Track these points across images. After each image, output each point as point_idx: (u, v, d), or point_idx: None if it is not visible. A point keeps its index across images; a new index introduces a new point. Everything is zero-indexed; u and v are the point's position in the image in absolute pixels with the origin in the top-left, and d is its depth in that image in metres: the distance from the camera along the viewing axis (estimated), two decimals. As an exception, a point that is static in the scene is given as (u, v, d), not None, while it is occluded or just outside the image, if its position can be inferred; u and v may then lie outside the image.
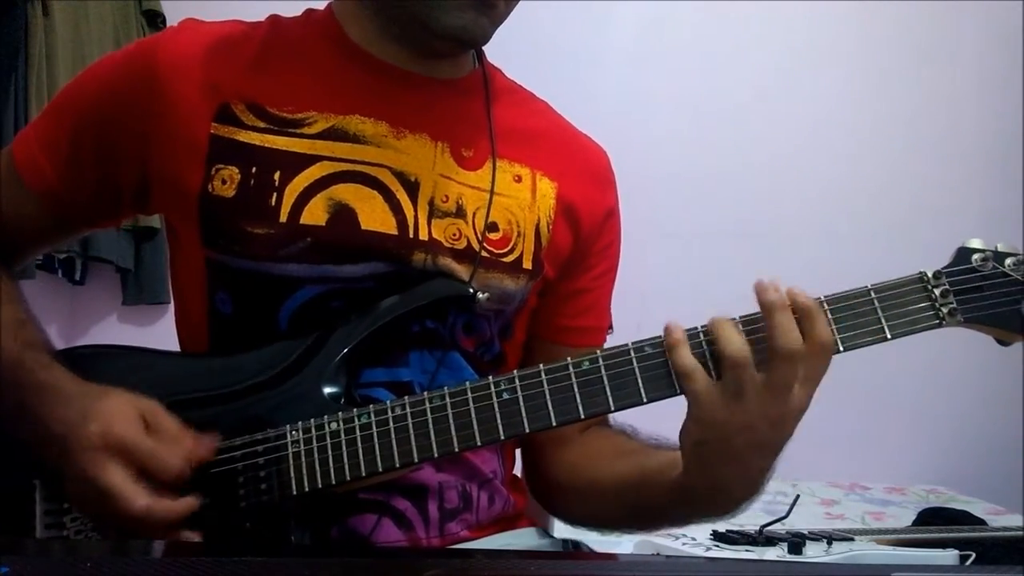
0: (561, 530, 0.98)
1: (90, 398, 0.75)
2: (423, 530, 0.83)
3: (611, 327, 0.99)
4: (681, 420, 0.74)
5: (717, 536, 1.43)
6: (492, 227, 0.85)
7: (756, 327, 0.71)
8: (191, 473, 0.74)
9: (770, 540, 1.42)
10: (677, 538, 1.38)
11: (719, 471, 0.74)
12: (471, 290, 0.81)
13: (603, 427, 0.93)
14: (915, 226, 2.62)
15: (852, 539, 1.50)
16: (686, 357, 0.71)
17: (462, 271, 0.83)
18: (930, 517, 2.01)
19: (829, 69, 2.68)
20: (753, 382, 0.69)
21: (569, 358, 0.74)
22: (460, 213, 0.84)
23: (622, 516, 0.89)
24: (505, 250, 0.85)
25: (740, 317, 0.72)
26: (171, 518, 0.72)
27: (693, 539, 1.40)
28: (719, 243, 2.61)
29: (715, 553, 1.36)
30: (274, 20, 0.90)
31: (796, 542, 1.39)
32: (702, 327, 0.72)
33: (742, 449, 0.71)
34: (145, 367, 0.83)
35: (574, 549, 0.92)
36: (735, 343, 0.69)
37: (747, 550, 1.39)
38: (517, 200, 0.87)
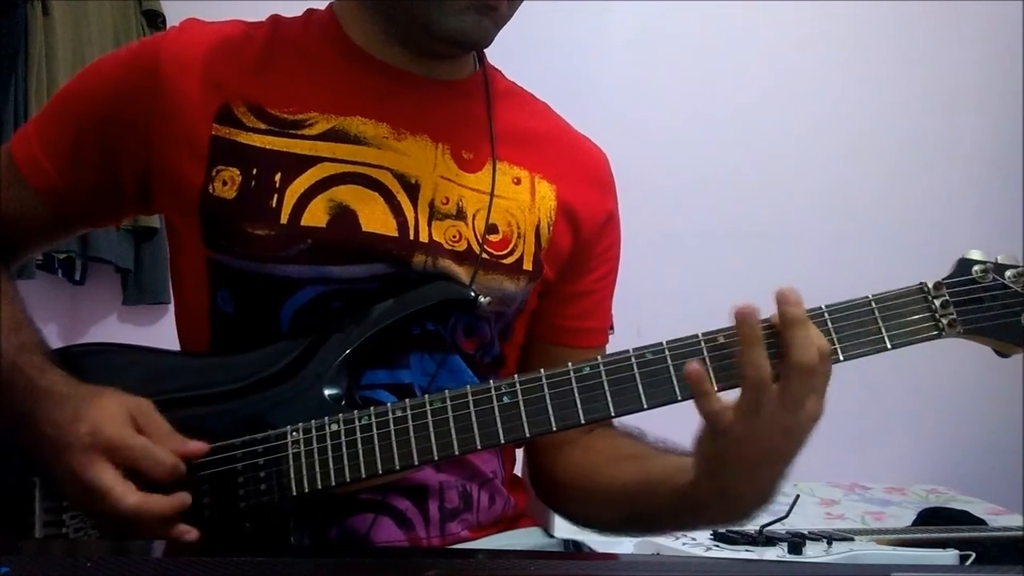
0: (562, 530, 0.97)
1: (80, 399, 0.75)
2: (423, 530, 0.83)
3: (612, 327, 0.99)
4: (682, 423, 0.74)
5: (717, 536, 1.43)
6: (492, 229, 0.85)
7: (770, 331, 0.70)
8: (184, 471, 0.74)
9: (770, 540, 1.42)
10: (677, 538, 1.38)
11: (731, 480, 0.73)
12: (473, 293, 0.81)
13: (607, 429, 0.93)
14: (914, 227, 2.62)
15: (852, 539, 1.50)
16: (711, 394, 0.69)
17: (462, 273, 0.83)
18: (930, 517, 2.01)
19: (829, 69, 2.68)
20: (770, 398, 0.69)
21: (570, 363, 0.73)
22: (460, 215, 0.84)
23: (625, 519, 0.89)
24: (505, 252, 0.85)
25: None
26: (163, 514, 0.72)
27: (693, 539, 1.40)
28: (719, 243, 2.61)
29: (715, 553, 1.36)
30: (275, 20, 0.90)
31: (796, 542, 1.39)
32: (703, 335, 0.72)
33: (755, 460, 0.71)
34: (146, 365, 0.83)
35: (575, 549, 0.92)
36: (762, 368, 0.68)
37: (747, 550, 1.39)
38: (517, 202, 0.87)
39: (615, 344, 0.94)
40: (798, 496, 1.61)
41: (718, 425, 0.70)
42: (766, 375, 0.68)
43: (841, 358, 0.72)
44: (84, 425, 0.73)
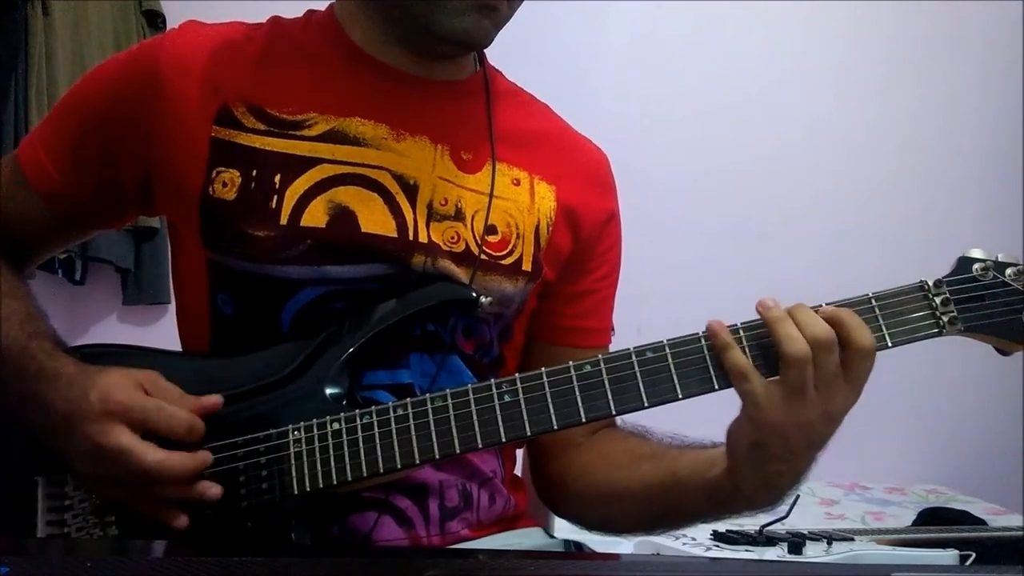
0: (562, 530, 0.97)
1: (88, 375, 0.76)
2: (423, 529, 0.83)
3: (612, 329, 0.99)
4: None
5: (717, 536, 1.43)
6: (491, 230, 0.85)
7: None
8: (202, 428, 0.75)
9: (770, 540, 1.42)
10: (677, 538, 1.38)
11: (773, 469, 0.74)
12: (474, 294, 0.81)
13: (613, 430, 0.93)
14: (915, 226, 2.62)
15: (852, 539, 1.50)
16: (739, 358, 0.71)
17: (461, 274, 0.83)
18: (930, 517, 2.01)
19: (829, 69, 2.68)
20: (811, 381, 0.69)
21: (571, 361, 0.74)
22: (459, 216, 0.84)
23: (651, 518, 0.88)
24: (504, 252, 0.85)
25: (740, 324, 0.72)
26: (186, 470, 0.73)
27: (693, 539, 1.40)
28: (719, 243, 2.61)
29: (715, 553, 1.36)
30: (275, 21, 0.90)
31: (796, 542, 1.39)
32: (742, 324, 0.72)
33: (798, 447, 0.72)
34: (148, 366, 0.83)
35: (575, 549, 0.92)
36: (798, 342, 0.69)
37: (747, 550, 1.39)
38: (516, 203, 0.87)
39: (615, 344, 0.94)
40: (798, 496, 1.61)
41: (758, 404, 0.70)
42: (806, 349, 0.69)
43: None
44: (94, 394, 0.73)
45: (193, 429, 0.74)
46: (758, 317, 0.72)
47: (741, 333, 0.72)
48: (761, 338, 0.71)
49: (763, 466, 0.74)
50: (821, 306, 0.72)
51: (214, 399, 0.76)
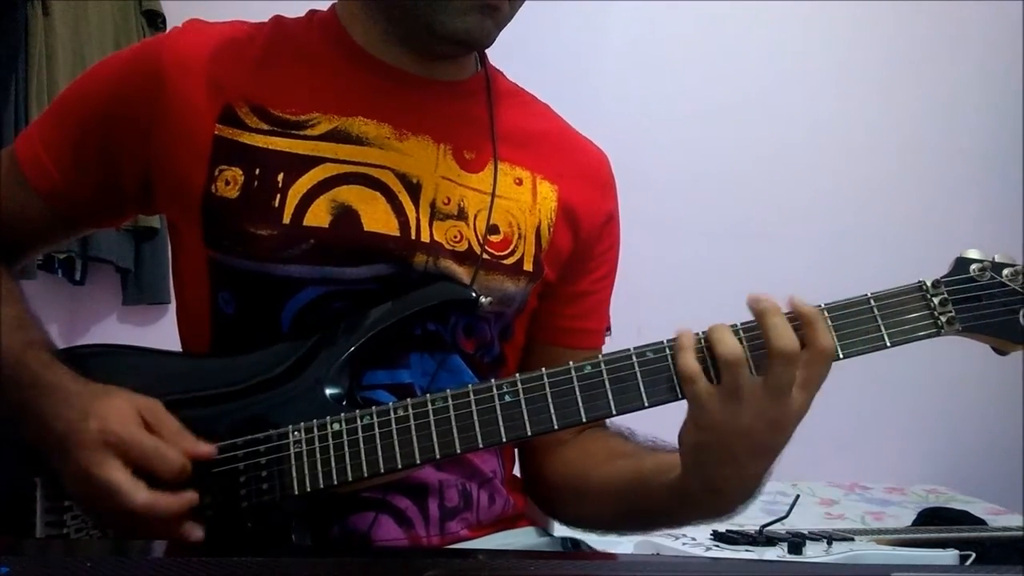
0: (561, 530, 0.98)
1: (90, 396, 0.75)
2: (423, 529, 0.83)
3: (609, 329, 0.99)
4: (680, 423, 0.74)
5: (717, 536, 1.43)
6: (493, 229, 0.85)
7: (755, 333, 0.71)
8: (191, 471, 0.74)
9: (770, 540, 1.42)
10: (677, 538, 1.38)
11: (716, 473, 0.74)
12: (474, 294, 0.81)
13: (600, 429, 0.93)
14: (915, 226, 2.62)
15: (852, 539, 1.51)
16: (689, 360, 0.71)
17: (463, 273, 0.83)
18: (930, 517, 2.01)
19: (829, 69, 2.68)
20: (749, 384, 0.69)
21: (571, 362, 0.74)
22: (461, 215, 0.84)
23: (618, 517, 0.89)
24: (506, 252, 0.85)
25: (740, 324, 0.72)
26: (173, 513, 0.73)
27: (693, 539, 1.40)
28: (719, 243, 2.61)
29: (715, 553, 1.36)
30: (277, 21, 0.90)
31: (796, 542, 1.39)
32: (702, 333, 0.72)
33: (739, 452, 0.72)
34: (148, 366, 0.83)
35: (574, 549, 0.92)
36: (729, 343, 0.69)
37: (747, 550, 1.39)
38: (518, 203, 0.87)
39: (615, 344, 0.94)
40: (798, 496, 1.61)
41: (701, 407, 0.70)
42: (737, 354, 0.69)
43: (840, 356, 0.72)
44: (94, 422, 0.73)
45: (184, 471, 0.74)
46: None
47: (741, 334, 0.72)
48: (756, 339, 0.71)
49: (705, 469, 0.74)
50: (795, 300, 0.71)
51: (209, 449, 0.75)
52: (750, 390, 0.69)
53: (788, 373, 0.69)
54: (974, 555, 1.54)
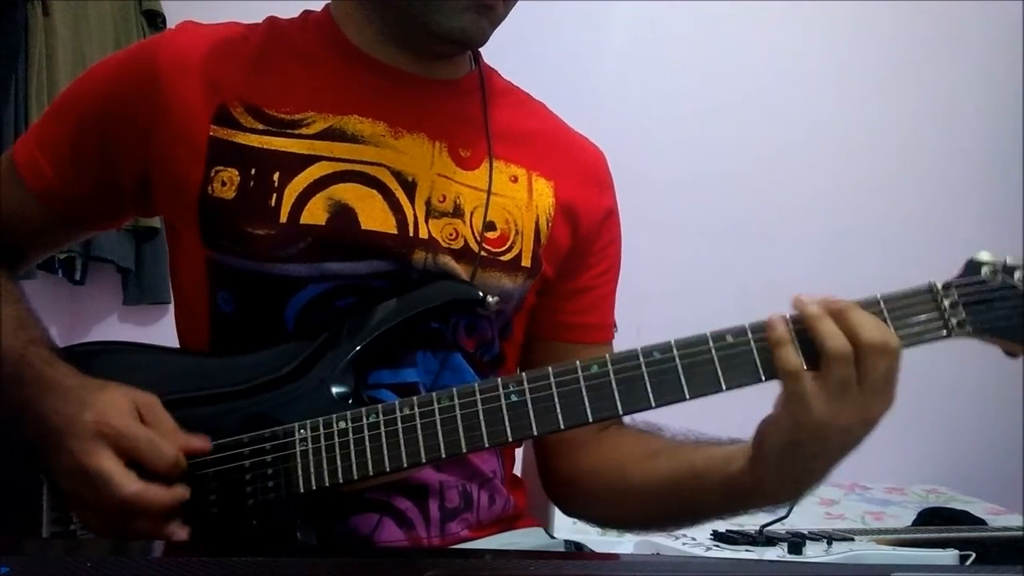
0: (562, 530, 0.98)
1: (87, 390, 0.76)
2: (424, 530, 0.83)
3: (615, 325, 0.99)
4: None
5: (717, 536, 1.43)
6: (490, 226, 0.85)
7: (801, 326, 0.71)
8: (185, 466, 0.74)
9: (770, 540, 1.42)
10: (677, 538, 1.38)
11: (803, 468, 0.74)
12: (480, 294, 0.81)
13: (625, 427, 0.92)
14: (915, 226, 2.62)
15: (852, 539, 1.50)
16: (791, 355, 0.70)
17: (462, 270, 0.83)
18: (930, 517, 2.01)
19: (829, 69, 2.68)
20: (855, 380, 0.69)
21: (578, 361, 0.73)
22: (457, 213, 0.84)
23: (664, 514, 0.89)
24: (503, 249, 0.86)
25: (788, 316, 0.72)
26: (162, 505, 0.72)
27: (693, 539, 1.40)
28: (719, 243, 2.61)
29: (715, 553, 1.36)
30: (271, 22, 0.90)
31: (796, 542, 1.39)
32: (712, 334, 0.72)
33: (834, 448, 0.72)
34: (154, 364, 0.83)
35: (575, 549, 0.92)
36: (839, 337, 0.69)
37: (747, 550, 1.39)
38: (514, 200, 0.87)
39: (615, 343, 0.94)
40: (798, 496, 1.61)
41: (804, 403, 0.69)
42: (847, 345, 0.69)
43: None
44: (90, 413, 0.73)
45: (177, 466, 0.74)
46: (763, 317, 0.72)
47: (790, 326, 0.71)
48: (801, 333, 0.71)
49: (794, 465, 0.74)
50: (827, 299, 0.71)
51: (203, 444, 0.75)
52: (853, 386, 0.69)
53: (883, 365, 0.69)
54: (974, 555, 1.54)
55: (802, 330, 0.71)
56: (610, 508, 0.92)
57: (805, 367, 0.70)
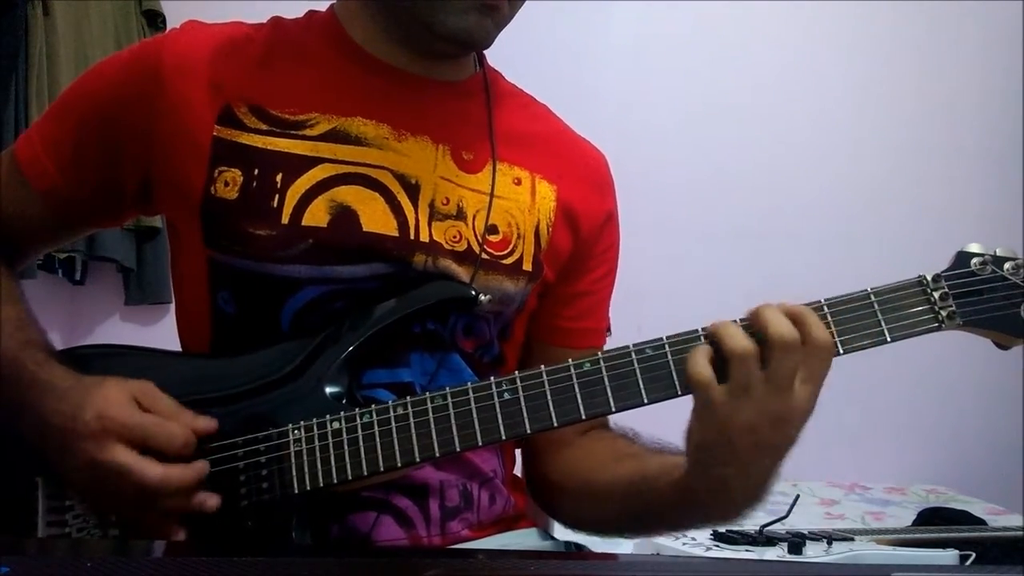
0: (562, 531, 0.97)
1: (82, 389, 0.76)
2: (424, 529, 0.83)
3: (609, 329, 0.99)
4: (681, 421, 0.74)
5: (717, 536, 1.43)
6: (492, 229, 0.85)
7: (752, 329, 0.71)
8: (195, 442, 0.75)
9: (770, 540, 1.42)
10: (677, 538, 1.38)
11: (721, 473, 0.73)
12: (473, 292, 0.81)
13: (603, 430, 0.93)
14: (915, 226, 2.62)
15: (852, 539, 1.50)
16: (700, 357, 0.70)
17: (462, 273, 0.83)
18: (930, 517, 2.01)
19: (829, 70, 2.68)
20: (757, 378, 0.69)
21: (570, 359, 0.74)
22: (460, 215, 0.84)
23: (622, 519, 0.89)
24: (505, 252, 0.86)
25: (739, 320, 0.72)
26: (187, 483, 0.73)
27: (693, 539, 1.40)
28: (719, 243, 2.61)
29: (715, 553, 1.36)
30: (276, 22, 0.90)
31: (796, 542, 1.39)
32: (702, 330, 0.72)
33: (744, 450, 0.71)
34: (149, 367, 0.83)
35: (575, 550, 0.92)
36: (739, 337, 0.69)
37: (747, 550, 1.39)
38: (517, 203, 0.87)
39: (615, 342, 0.94)
40: (798, 496, 1.61)
41: (707, 402, 0.70)
42: (748, 345, 0.68)
43: (840, 351, 0.72)
44: (89, 411, 0.73)
45: (188, 444, 0.74)
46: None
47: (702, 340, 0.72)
48: (754, 334, 0.71)
49: (710, 468, 0.73)
50: (783, 303, 0.71)
51: (209, 423, 0.76)
52: (757, 384, 0.69)
53: (789, 363, 0.68)
54: (974, 555, 1.54)
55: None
56: (574, 509, 0.92)
57: (710, 369, 0.70)
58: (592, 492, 0.89)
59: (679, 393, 0.72)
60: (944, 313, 0.72)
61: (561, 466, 0.92)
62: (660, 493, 0.80)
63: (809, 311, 0.71)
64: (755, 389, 0.69)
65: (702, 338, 0.72)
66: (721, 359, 0.70)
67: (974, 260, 0.73)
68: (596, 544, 0.95)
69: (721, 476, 0.73)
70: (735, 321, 0.72)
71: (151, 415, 0.75)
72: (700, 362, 0.70)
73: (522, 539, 0.91)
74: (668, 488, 0.79)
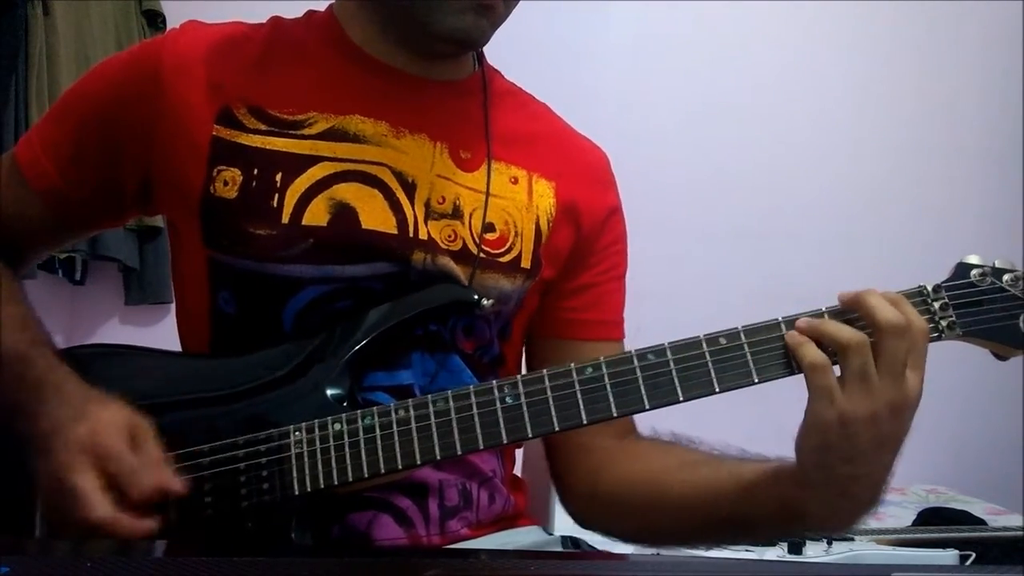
0: (561, 529, 0.97)
1: (86, 401, 0.75)
2: (423, 528, 0.83)
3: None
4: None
5: (717, 536, 1.42)
6: (489, 228, 0.85)
7: (853, 317, 0.71)
8: (157, 500, 0.72)
9: (770, 540, 1.42)
10: (677, 538, 1.37)
11: (844, 472, 0.71)
12: (476, 296, 0.81)
13: (650, 438, 0.90)
14: (915, 226, 2.62)
15: (852, 539, 1.51)
16: (814, 350, 0.70)
17: (460, 271, 0.83)
18: (930, 517, 2.01)
19: (829, 70, 2.68)
20: (873, 367, 0.68)
21: (572, 364, 0.73)
22: (456, 214, 0.84)
23: (706, 527, 0.85)
24: (502, 250, 0.86)
25: (825, 309, 0.72)
26: (128, 536, 0.71)
27: (693, 539, 1.39)
28: (719, 243, 2.61)
29: (715, 553, 1.36)
30: (275, 22, 0.90)
31: (796, 542, 1.39)
32: (705, 336, 0.72)
33: (867, 445, 0.70)
34: (151, 367, 0.83)
35: (574, 547, 0.92)
36: (845, 329, 0.69)
37: (747, 550, 1.39)
38: (514, 201, 0.87)
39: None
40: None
41: (826, 397, 0.69)
42: (862, 338, 0.68)
43: None
44: (84, 425, 0.73)
45: (150, 499, 0.72)
46: (763, 316, 0.72)
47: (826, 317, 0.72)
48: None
49: (833, 470, 0.71)
50: (873, 290, 0.71)
51: (180, 487, 0.73)
52: (873, 373, 0.68)
53: (901, 349, 0.68)
54: (974, 555, 1.54)
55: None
56: (644, 520, 0.89)
57: (829, 362, 0.69)
58: (660, 501, 0.85)
59: (681, 399, 0.72)
60: (944, 323, 0.73)
61: (608, 477, 0.89)
62: (762, 502, 0.77)
63: (903, 297, 0.71)
64: (872, 378, 0.68)
65: (704, 345, 0.72)
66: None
67: (974, 271, 0.74)
68: (596, 543, 0.95)
69: (845, 477, 0.71)
70: (820, 312, 0.71)
71: (133, 457, 0.72)
72: (811, 349, 0.69)
73: (521, 537, 0.91)
74: (773, 498, 0.76)
